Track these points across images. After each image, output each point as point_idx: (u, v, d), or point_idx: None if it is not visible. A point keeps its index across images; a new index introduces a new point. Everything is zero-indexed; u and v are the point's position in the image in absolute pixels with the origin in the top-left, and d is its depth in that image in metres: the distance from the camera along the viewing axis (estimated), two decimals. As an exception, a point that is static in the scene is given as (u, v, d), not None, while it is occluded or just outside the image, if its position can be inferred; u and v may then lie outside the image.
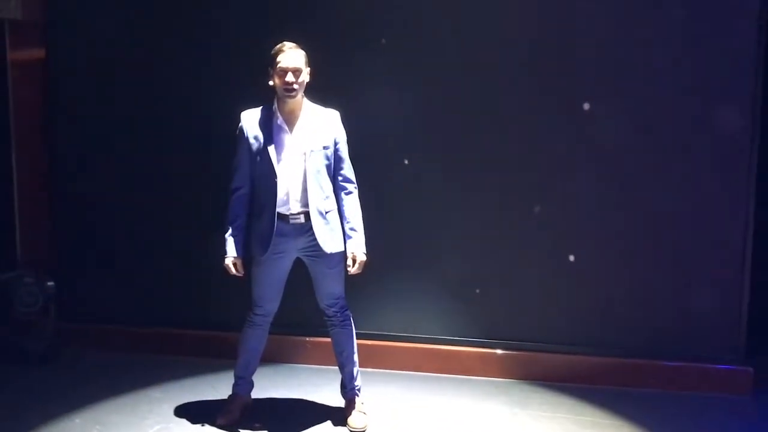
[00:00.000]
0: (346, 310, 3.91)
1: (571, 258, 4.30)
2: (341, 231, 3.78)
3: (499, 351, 4.54)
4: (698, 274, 4.29)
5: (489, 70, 4.37)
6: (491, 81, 4.37)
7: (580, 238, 4.35)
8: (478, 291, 4.46)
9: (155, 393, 4.30)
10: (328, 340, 3.97)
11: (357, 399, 3.96)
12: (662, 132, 4.26)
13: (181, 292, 4.84)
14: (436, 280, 4.54)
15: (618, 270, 4.34)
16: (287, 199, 3.66)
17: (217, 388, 4.31)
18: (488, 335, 4.54)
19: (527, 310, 4.47)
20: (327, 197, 3.74)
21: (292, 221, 3.69)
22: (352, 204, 3.81)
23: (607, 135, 4.27)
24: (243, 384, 3.96)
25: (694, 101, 4.20)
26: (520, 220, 4.40)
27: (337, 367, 3.98)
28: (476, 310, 4.54)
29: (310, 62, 3.71)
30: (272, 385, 4.37)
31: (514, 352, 4.51)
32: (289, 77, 3.59)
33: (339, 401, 4.05)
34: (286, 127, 3.68)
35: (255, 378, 4.00)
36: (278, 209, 3.66)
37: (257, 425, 3.87)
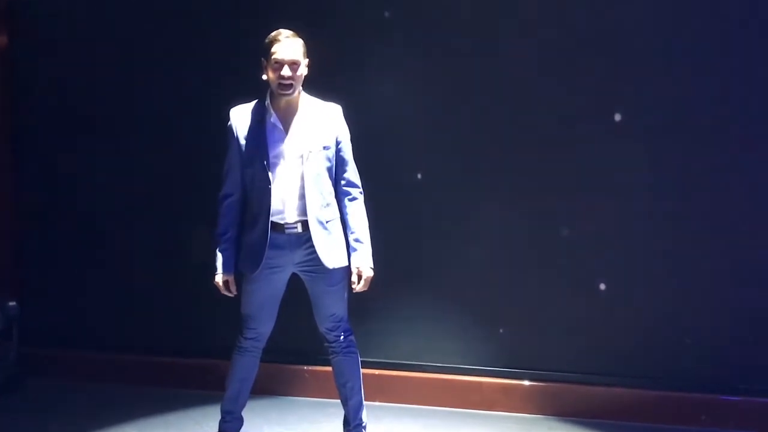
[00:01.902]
0: (350, 334, 3.85)
1: (602, 286, 4.31)
2: (344, 243, 3.72)
3: (526, 382, 4.50)
4: (748, 298, 4.23)
5: (513, 73, 4.39)
6: (515, 86, 4.39)
7: (610, 264, 4.36)
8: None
9: (130, 430, 4.27)
10: (330, 369, 3.93)
11: (362, 437, 3.92)
12: (702, 148, 4.25)
13: (161, 314, 4.85)
14: (453, 300, 4.52)
15: (657, 295, 4.32)
16: (283, 207, 3.63)
17: (202, 424, 4.31)
18: (513, 364, 4.51)
19: (557, 336, 4.44)
20: (328, 204, 3.69)
21: (288, 232, 3.64)
22: (358, 212, 3.75)
23: (642, 150, 4.28)
24: (232, 420, 3.90)
25: (739, 116, 4.20)
26: (547, 242, 4.41)
27: (339, 401, 3.93)
28: (499, 335, 4.52)
29: (309, 52, 3.66)
30: (265, 421, 4.34)
31: (543, 384, 4.48)
32: (286, 71, 3.53)
33: (342, 440, 4.00)
34: (281, 126, 3.63)
35: (245, 413, 3.94)
36: (272, 218, 3.61)
37: (248, 467, 3.84)
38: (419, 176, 4.50)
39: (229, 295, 3.73)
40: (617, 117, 4.26)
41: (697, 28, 4.21)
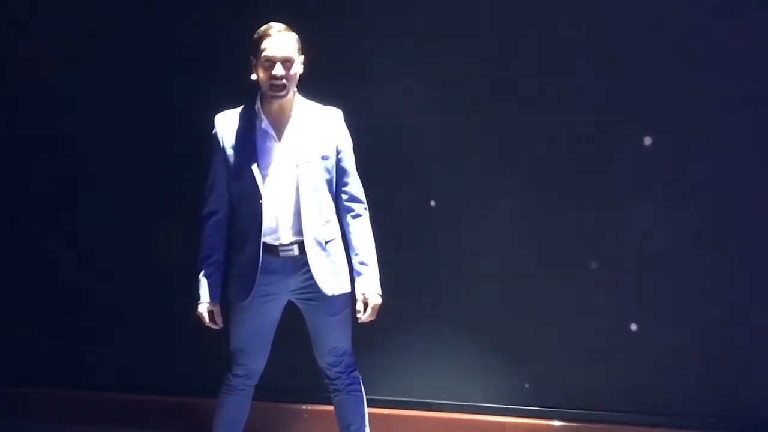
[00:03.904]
0: (354, 370, 3.78)
1: (633, 327, 4.27)
2: (347, 266, 3.67)
3: (555, 422, 4.42)
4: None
5: (538, 89, 4.32)
6: (541, 103, 4.33)
7: (641, 299, 4.29)
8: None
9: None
10: (331, 408, 3.88)
11: (369, 485, 3.86)
12: (747, 174, 4.17)
13: (135, 346, 4.78)
14: (473, 332, 4.44)
15: (692, 332, 4.26)
16: (276, 225, 3.56)
17: (187, 473, 4.23)
18: (541, 403, 4.43)
19: (588, 372, 4.37)
20: (328, 222, 3.63)
21: (282, 254, 3.57)
22: (362, 230, 3.69)
23: (677, 176, 4.22)
24: (220, 467, 3.82)
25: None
26: (575, 274, 4.37)
27: (342, 445, 3.86)
28: (524, 370, 4.43)
29: (304, 48, 3.59)
30: (259, 468, 4.23)
31: (575, 424, 4.39)
32: (278, 70, 3.48)
33: (345, 488, 3.90)
34: (274, 133, 3.57)
35: (235, 459, 3.86)
36: (264, 239, 3.55)
37: None
38: (433, 203, 4.45)
39: (215, 327, 3.67)
40: (647, 141, 4.20)
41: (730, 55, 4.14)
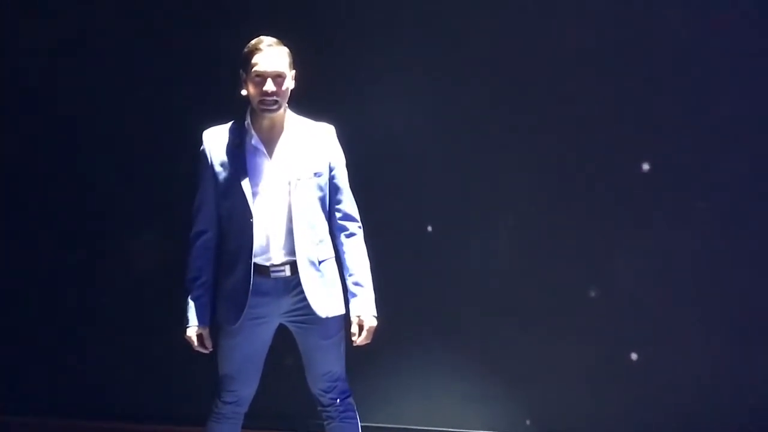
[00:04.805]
0: (348, 396, 3.72)
1: (633, 356, 4.32)
2: (341, 287, 3.63)
3: None
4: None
5: (538, 110, 4.37)
6: (541, 126, 4.37)
7: (642, 328, 4.34)
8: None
9: None
10: None
11: None
12: (748, 202, 4.23)
13: (120, 372, 4.74)
14: (472, 357, 4.43)
15: (694, 363, 4.30)
16: (267, 245, 3.53)
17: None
18: (541, 430, 4.44)
19: (588, 399, 4.38)
20: (321, 241, 3.59)
21: (274, 275, 3.53)
22: (356, 249, 3.65)
23: (676, 204, 4.26)
24: (208, 501, 3.72)
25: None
26: (574, 303, 4.40)
27: (337, 476, 3.76)
28: (524, 397, 4.43)
29: (295, 63, 3.56)
30: (250, 501, 4.13)
31: None
32: (269, 86, 3.45)
33: None
34: (264, 149, 3.54)
35: (224, 492, 3.74)
36: (255, 260, 3.51)
37: None
38: (429, 229, 4.47)
39: (204, 351, 3.61)
40: (645, 167, 4.23)
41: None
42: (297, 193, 3.51)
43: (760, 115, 4.16)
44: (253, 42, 3.50)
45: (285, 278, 3.52)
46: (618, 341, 4.31)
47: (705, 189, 4.23)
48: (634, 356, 4.29)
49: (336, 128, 3.67)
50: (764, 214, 4.19)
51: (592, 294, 4.34)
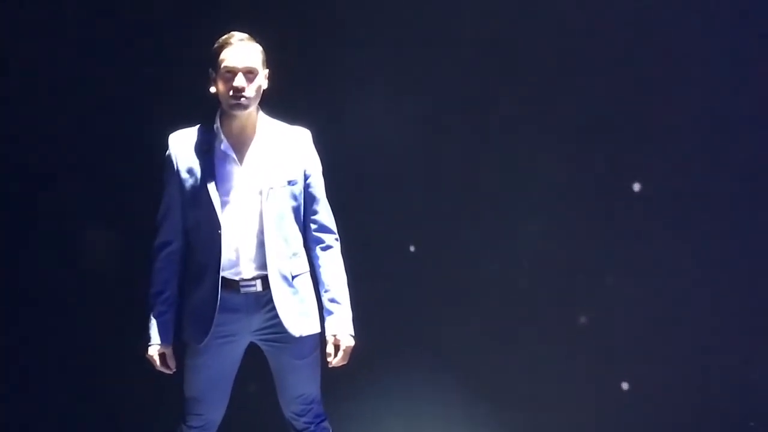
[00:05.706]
0: (323, 420, 3.68)
1: (624, 386, 4.34)
2: (316, 304, 3.59)
3: None
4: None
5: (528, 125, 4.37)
6: (529, 141, 4.38)
7: (632, 354, 4.35)
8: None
9: None
10: None
11: None
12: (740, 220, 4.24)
13: (76, 394, 4.64)
14: (456, 378, 4.41)
15: (684, 391, 4.30)
16: (237, 258, 3.47)
17: None
18: None
19: (579, 426, 4.38)
20: (294, 254, 3.54)
21: (243, 290, 3.48)
22: (333, 263, 3.61)
23: (664, 224, 4.28)
24: None
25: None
26: (563, 328, 4.41)
27: (311, 506, 3.76)
28: (510, 420, 4.39)
29: (269, 61, 3.52)
30: None
31: None
32: (239, 81, 3.40)
33: None
34: (235, 155, 3.48)
35: None
36: (223, 273, 3.45)
37: None
38: (412, 249, 4.48)
39: (167, 372, 3.55)
40: (636, 187, 4.27)
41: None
42: (269, 202, 3.45)
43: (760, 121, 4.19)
44: (223, 37, 3.45)
45: (256, 294, 3.47)
46: (608, 368, 4.32)
47: (703, 207, 4.24)
48: (625, 386, 4.32)
49: (312, 132, 3.60)
50: (762, 235, 4.20)
51: (582, 320, 4.37)
